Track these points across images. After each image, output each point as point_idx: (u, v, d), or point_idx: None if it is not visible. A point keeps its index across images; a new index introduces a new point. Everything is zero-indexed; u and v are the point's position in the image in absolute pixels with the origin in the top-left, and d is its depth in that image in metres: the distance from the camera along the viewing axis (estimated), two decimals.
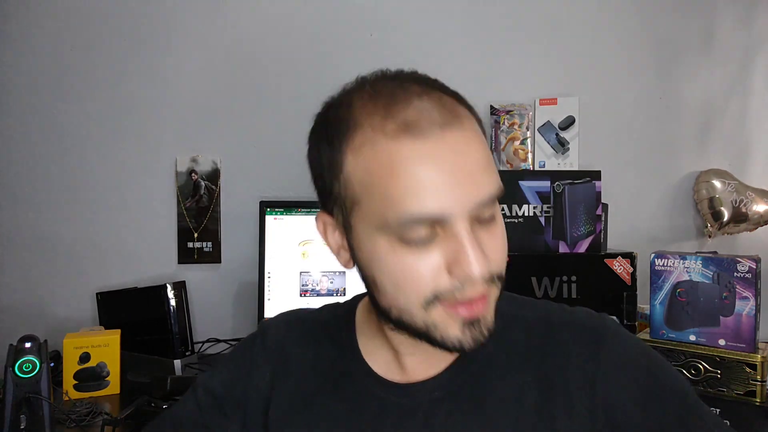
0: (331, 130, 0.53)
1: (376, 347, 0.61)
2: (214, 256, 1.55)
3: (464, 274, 0.48)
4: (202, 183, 1.55)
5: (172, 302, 1.44)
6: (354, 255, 0.55)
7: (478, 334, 0.50)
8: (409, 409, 0.56)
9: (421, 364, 0.58)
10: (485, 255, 0.48)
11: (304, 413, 0.60)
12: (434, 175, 0.47)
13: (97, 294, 1.45)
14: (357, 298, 0.67)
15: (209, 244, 1.55)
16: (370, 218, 0.50)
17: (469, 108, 0.53)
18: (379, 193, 0.48)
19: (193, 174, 1.54)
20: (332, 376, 0.61)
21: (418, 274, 0.49)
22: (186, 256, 1.54)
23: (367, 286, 0.55)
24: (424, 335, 0.51)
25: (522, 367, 0.57)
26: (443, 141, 0.48)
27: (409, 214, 0.47)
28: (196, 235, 1.55)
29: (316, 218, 0.58)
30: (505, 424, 0.55)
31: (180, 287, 1.48)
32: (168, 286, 1.44)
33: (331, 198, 0.54)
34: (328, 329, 0.65)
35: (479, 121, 0.54)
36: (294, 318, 0.68)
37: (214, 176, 1.56)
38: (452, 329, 0.50)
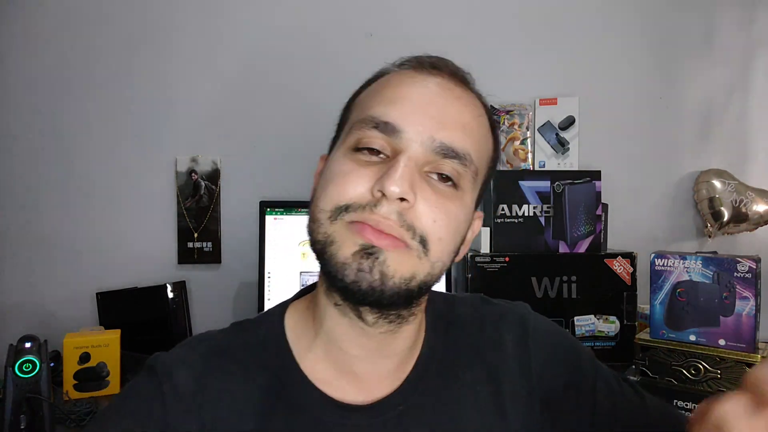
0: (365, 83, 0.57)
1: (319, 360, 0.53)
2: (214, 256, 1.55)
3: (380, 186, 0.46)
4: (202, 183, 1.55)
5: (173, 302, 1.44)
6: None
7: (368, 268, 0.46)
8: (376, 430, 0.53)
9: (373, 372, 0.54)
10: (413, 191, 0.46)
11: None
12: (411, 97, 0.50)
13: (97, 294, 1.45)
14: (281, 309, 0.58)
15: (209, 244, 1.55)
16: (346, 129, 0.52)
17: (485, 107, 0.56)
18: (362, 107, 0.52)
19: (193, 174, 1.54)
20: (278, 411, 0.52)
21: (345, 179, 0.48)
22: (186, 256, 1.54)
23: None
24: (321, 255, 0.48)
25: (471, 365, 0.59)
26: (439, 80, 0.51)
27: (371, 114, 0.49)
28: (196, 235, 1.55)
29: (319, 162, 0.56)
30: (469, 424, 0.55)
31: (180, 287, 1.48)
32: (168, 286, 1.44)
33: (339, 130, 0.56)
34: (254, 356, 0.54)
35: (491, 121, 0.57)
36: (206, 349, 0.55)
37: (214, 176, 1.56)
38: (345, 249, 0.46)
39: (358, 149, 0.49)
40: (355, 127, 0.50)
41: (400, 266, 0.47)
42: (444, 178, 0.49)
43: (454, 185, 0.50)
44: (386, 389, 0.54)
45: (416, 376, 0.56)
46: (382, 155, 0.49)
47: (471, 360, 0.58)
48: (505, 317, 0.62)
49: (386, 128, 0.48)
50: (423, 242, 0.48)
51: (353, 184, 0.47)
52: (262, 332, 0.56)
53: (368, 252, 0.46)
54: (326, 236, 0.48)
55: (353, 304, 0.49)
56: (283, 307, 0.59)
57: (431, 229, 0.48)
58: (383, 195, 0.46)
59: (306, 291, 0.60)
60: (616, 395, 0.61)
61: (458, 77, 0.54)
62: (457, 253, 0.53)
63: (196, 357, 0.54)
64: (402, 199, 0.46)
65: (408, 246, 0.47)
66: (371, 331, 0.51)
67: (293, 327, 0.56)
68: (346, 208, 0.47)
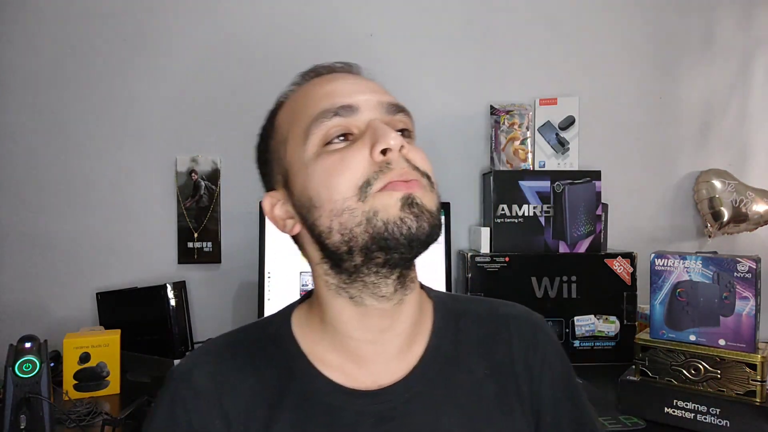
0: (272, 109, 0.63)
1: (326, 352, 0.57)
2: (214, 256, 1.55)
3: (383, 147, 0.51)
4: (202, 183, 1.55)
5: (172, 302, 1.44)
6: (295, 204, 0.56)
7: (419, 212, 0.50)
8: (385, 415, 0.54)
9: (380, 354, 0.56)
10: (402, 139, 0.52)
11: None
12: (341, 85, 0.56)
13: (97, 294, 1.45)
14: (288, 310, 0.62)
15: (209, 244, 1.55)
16: (297, 141, 0.55)
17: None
18: (301, 116, 0.55)
19: (193, 174, 1.54)
20: (290, 399, 0.54)
21: (345, 165, 0.51)
22: (186, 256, 1.54)
23: (307, 220, 0.55)
24: (370, 235, 0.50)
25: (479, 359, 0.60)
26: (349, 74, 0.59)
27: (323, 108, 0.53)
28: (196, 235, 1.55)
29: (263, 201, 0.60)
30: (474, 416, 0.57)
31: (180, 287, 1.48)
32: (168, 286, 1.44)
33: (269, 162, 0.60)
34: (263, 350, 0.57)
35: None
36: (217, 348, 0.59)
37: (214, 176, 1.55)
38: (393, 209, 0.50)
39: (327, 143, 0.53)
40: (314, 126, 0.53)
41: (430, 201, 0.53)
42: (401, 132, 0.56)
43: (410, 136, 0.57)
44: (393, 376, 0.56)
45: (423, 365, 0.57)
46: (350, 137, 0.54)
47: (479, 355, 0.60)
48: (517, 319, 0.64)
49: (345, 111, 0.53)
50: (427, 177, 0.54)
51: (356, 162, 0.51)
52: (271, 330, 0.60)
53: (409, 201, 0.50)
54: (366, 213, 0.50)
55: (403, 262, 0.53)
56: (289, 308, 0.62)
57: (426, 166, 0.54)
58: (384, 154, 0.51)
59: (306, 297, 0.64)
60: None
61: (353, 70, 0.62)
62: None
63: (209, 358, 0.57)
64: (401, 148, 0.52)
65: (422, 184, 0.53)
66: (383, 307, 0.54)
67: (300, 325, 0.59)
68: (367, 183, 0.50)
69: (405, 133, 0.56)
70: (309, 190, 0.53)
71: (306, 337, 0.58)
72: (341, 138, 0.53)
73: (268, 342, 0.58)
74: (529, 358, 0.61)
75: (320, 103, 0.54)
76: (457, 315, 0.63)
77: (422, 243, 0.51)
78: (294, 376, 0.56)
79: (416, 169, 0.53)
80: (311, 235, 0.56)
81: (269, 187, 0.61)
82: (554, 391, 0.61)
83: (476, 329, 0.62)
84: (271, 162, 0.60)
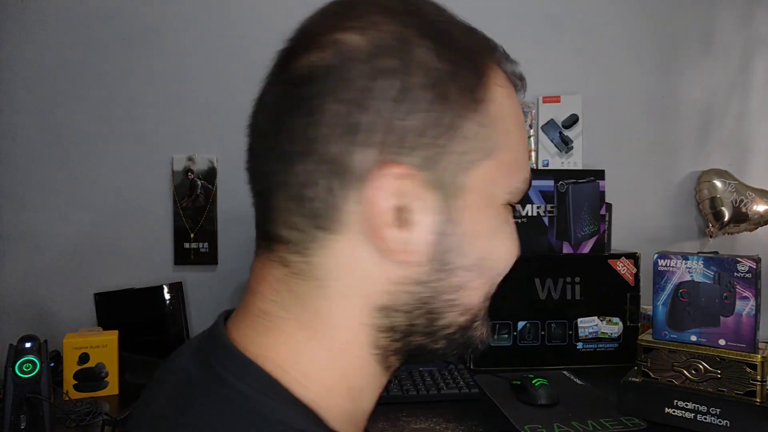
0: (454, 46, 0.37)
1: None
2: (210, 257, 1.53)
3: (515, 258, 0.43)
4: (199, 182, 1.54)
5: (169, 303, 1.43)
6: (442, 238, 0.36)
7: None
8: None
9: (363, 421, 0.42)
10: None
11: None
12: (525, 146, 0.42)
13: (95, 294, 1.44)
14: (220, 347, 0.38)
15: (205, 244, 1.54)
16: (497, 178, 0.37)
17: None
18: (513, 147, 0.38)
19: (189, 173, 1.53)
20: None
21: (507, 247, 0.42)
22: (182, 256, 1.53)
23: (445, 265, 0.37)
24: (463, 323, 0.40)
25: None
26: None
27: (525, 180, 0.40)
28: (192, 235, 1.53)
29: (378, 176, 0.34)
30: None
31: (176, 288, 1.47)
32: (165, 287, 1.43)
33: (433, 151, 0.35)
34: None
35: None
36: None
37: (210, 175, 1.54)
38: (485, 325, 0.43)
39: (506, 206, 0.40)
40: (513, 180, 0.39)
41: None
42: None
43: None
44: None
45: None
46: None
47: None
48: None
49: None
50: None
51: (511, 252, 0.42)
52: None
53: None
54: (476, 319, 0.41)
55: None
56: (212, 343, 0.39)
57: None
58: None
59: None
60: None
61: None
62: None
63: None
64: None
65: None
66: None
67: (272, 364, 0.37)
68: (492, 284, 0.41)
69: None
70: (463, 258, 0.37)
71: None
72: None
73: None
74: None
75: (524, 167, 0.41)
76: None
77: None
78: None
79: None
80: (417, 290, 0.37)
81: (379, 155, 0.34)
82: None
83: None
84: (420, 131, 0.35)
